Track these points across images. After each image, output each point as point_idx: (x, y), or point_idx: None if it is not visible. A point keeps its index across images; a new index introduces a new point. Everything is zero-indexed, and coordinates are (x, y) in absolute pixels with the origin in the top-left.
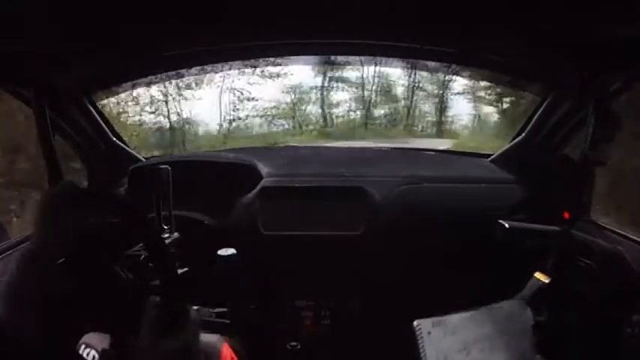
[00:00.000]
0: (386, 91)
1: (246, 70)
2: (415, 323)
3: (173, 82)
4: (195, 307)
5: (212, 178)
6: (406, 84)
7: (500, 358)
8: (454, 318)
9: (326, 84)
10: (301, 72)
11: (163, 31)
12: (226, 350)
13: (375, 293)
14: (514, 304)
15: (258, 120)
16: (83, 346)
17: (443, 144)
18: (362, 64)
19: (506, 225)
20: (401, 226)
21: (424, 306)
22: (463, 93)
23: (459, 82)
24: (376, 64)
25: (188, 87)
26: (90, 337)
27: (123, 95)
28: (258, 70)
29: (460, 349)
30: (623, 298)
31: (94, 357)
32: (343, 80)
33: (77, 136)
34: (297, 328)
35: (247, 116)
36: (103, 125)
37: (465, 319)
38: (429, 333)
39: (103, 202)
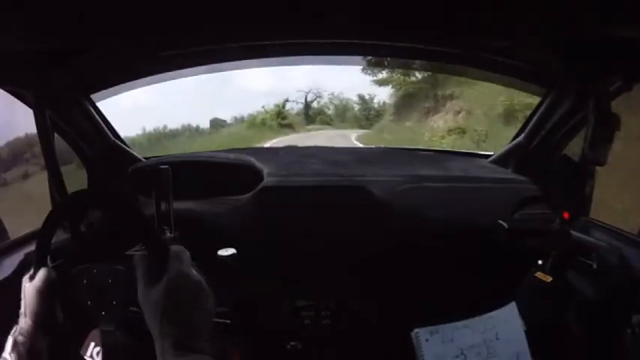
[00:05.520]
0: None
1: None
2: (413, 332)
3: None
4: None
5: (212, 178)
6: None
7: None
8: (452, 326)
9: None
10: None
11: (163, 31)
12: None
13: (376, 293)
14: (510, 310)
15: None
16: (92, 345)
17: None
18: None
19: (506, 225)
20: (401, 225)
21: (424, 306)
22: None
23: None
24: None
25: None
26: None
27: None
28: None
29: (457, 355)
30: (623, 298)
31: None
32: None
33: (77, 136)
34: (297, 328)
35: None
36: (103, 125)
37: (462, 326)
38: (426, 340)
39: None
